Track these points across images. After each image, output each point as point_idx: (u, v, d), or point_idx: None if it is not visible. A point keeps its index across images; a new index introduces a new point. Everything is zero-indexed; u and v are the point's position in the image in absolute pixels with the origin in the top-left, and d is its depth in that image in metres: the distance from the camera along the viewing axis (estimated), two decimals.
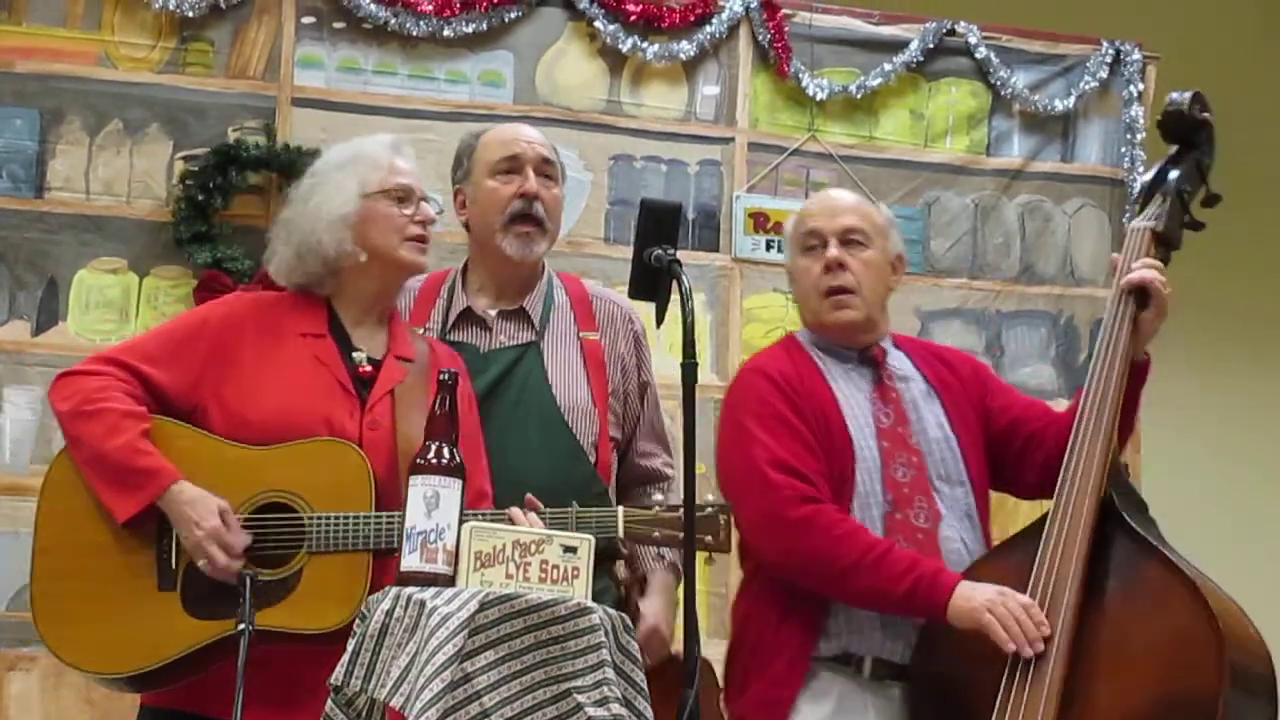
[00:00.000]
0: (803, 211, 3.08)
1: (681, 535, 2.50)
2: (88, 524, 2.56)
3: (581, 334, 3.07)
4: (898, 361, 3.03)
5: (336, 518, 2.52)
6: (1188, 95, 3.00)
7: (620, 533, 2.60)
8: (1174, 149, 3.01)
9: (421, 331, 2.97)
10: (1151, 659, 2.57)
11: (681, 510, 2.52)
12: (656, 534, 2.59)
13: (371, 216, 2.74)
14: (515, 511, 2.58)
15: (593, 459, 2.97)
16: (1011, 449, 3.01)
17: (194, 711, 2.54)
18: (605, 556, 2.88)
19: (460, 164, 3.13)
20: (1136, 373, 2.85)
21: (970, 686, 2.69)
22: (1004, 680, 2.61)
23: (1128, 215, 3.04)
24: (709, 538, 2.58)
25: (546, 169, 3.07)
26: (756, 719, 2.82)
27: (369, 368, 2.72)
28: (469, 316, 3.05)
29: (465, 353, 2.94)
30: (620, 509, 2.62)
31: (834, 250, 2.95)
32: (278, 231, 2.82)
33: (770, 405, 2.86)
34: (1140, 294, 2.83)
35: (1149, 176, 3.02)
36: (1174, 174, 2.96)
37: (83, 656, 2.54)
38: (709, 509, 2.59)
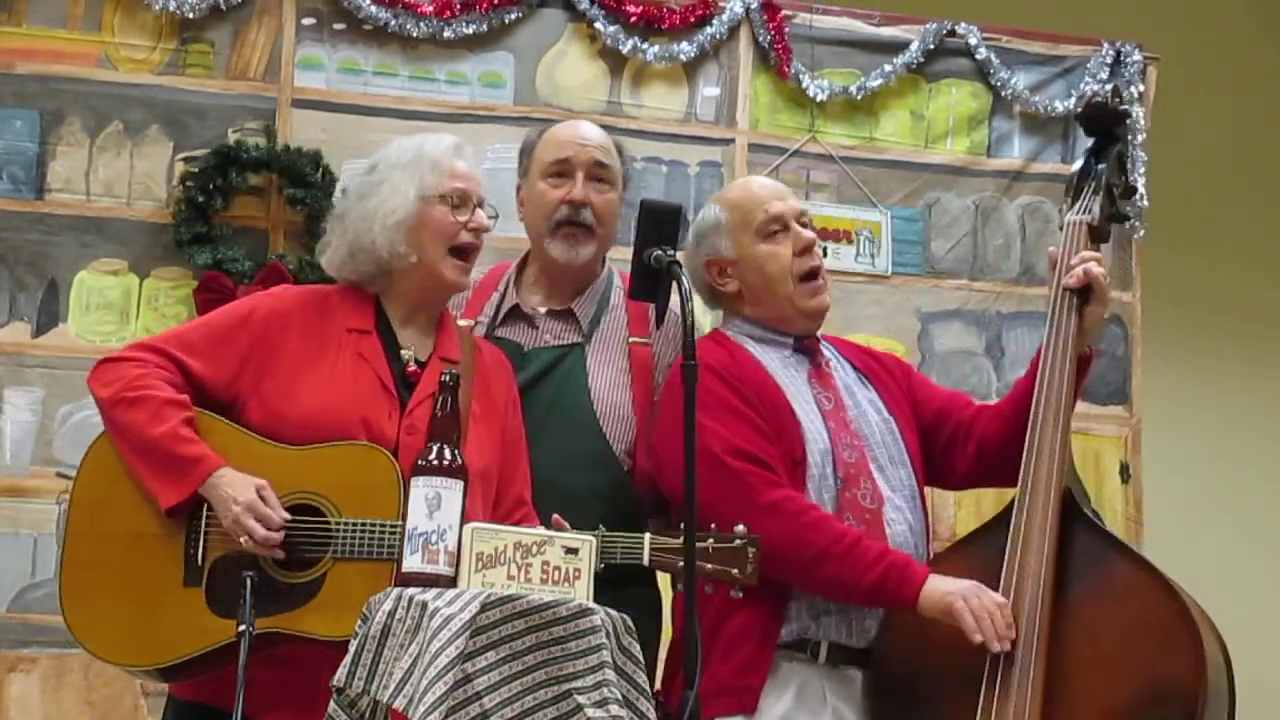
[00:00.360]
0: (751, 197, 3.00)
1: (709, 565, 2.49)
2: (119, 513, 2.56)
3: (631, 339, 3.01)
4: (828, 351, 3.03)
5: (364, 525, 2.50)
6: (1109, 88, 3.03)
7: (645, 560, 2.54)
8: (1093, 141, 3.02)
9: (472, 325, 2.94)
10: (1129, 654, 2.58)
11: (710, 540, 2.51)
12: (681, 563, 2.52)
13: (425, 221, 2.70)
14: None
15: (626, 465, 2.92)
16: (940, 439, 3.00)
17: (220, 706, 2.50)
18: (641, 576, 2.85)
19: (521, 161, 3.10)
20: (1081, 366, 2.86)
21: (935, 677, 2.69)
22: (984, 680, 2.61)
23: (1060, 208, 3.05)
24: (735, 570, 2.52)
25: (599, 172, 3.01)
26: (719, 707, 2.72)
27: (414, 368, 2.69)
28: (517, 313, 3.02)
29: (507, 349, 2.91)
30: (647, 536, 2.55)
31: (807, 231, 2.94)
32: (332, 224, 2.78)
33: (715, 394, 2.78)
34: (1083, 289, 2.84)
35: (1076, 168, 3.02)
36: (1101, 166, 2.97)
37: (103, 645, 2.54)
38: (737, 540, 2.53)
